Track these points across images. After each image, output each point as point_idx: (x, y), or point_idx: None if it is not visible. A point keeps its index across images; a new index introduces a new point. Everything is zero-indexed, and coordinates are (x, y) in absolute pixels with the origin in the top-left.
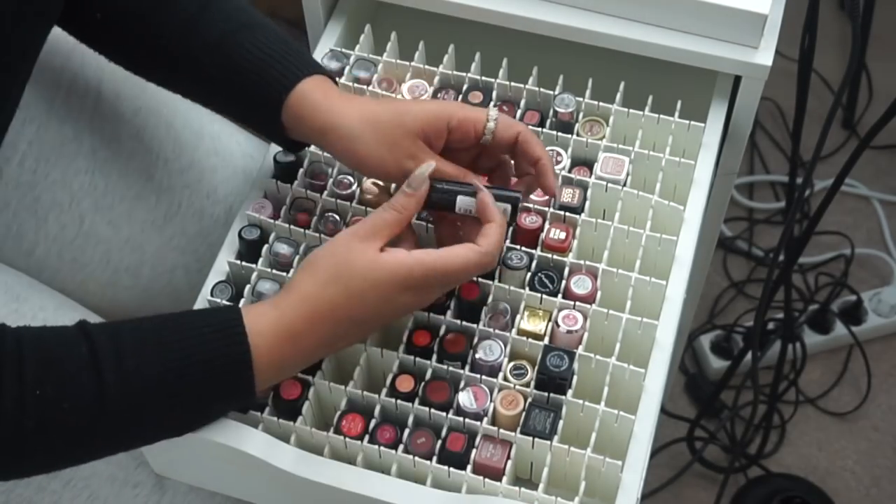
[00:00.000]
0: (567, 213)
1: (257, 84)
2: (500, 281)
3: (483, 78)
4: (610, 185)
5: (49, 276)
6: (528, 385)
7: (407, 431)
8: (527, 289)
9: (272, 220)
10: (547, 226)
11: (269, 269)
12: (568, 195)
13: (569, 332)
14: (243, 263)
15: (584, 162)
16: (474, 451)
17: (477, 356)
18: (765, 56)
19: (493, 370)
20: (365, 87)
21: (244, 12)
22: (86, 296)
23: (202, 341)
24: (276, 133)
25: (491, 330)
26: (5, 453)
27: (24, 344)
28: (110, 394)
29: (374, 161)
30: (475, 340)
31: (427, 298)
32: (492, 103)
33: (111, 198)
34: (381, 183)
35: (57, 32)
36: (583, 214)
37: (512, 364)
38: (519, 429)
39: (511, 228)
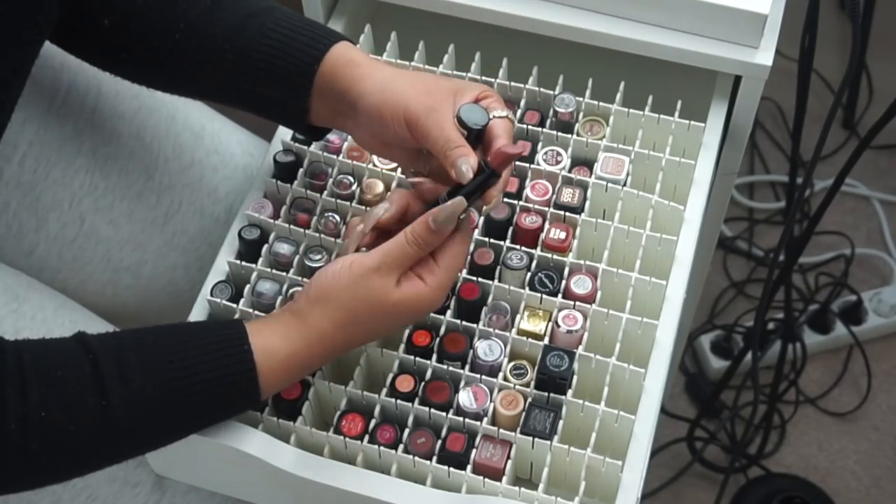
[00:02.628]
0: (567, 213)
1: (287, 55)
2: (500, 281)
3: (483, 78)
4: (610, 184)
5: (49, 276)
6: (528, 385)
7: (407, 431)
8: (527, 289)
9: (272, 220)
10: (547, 226)
11: (268, 269)
12: (568, 195)
13: (569, 331)
14: (243, 263)
15: (584, 162)
16: (474, 451)
17: (477, 356)
18: (765, 56)
19: (493, 370)
20: None
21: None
22: (86, 295)
23: (202, 352)
24: (299, 112)
25: (491, 330)
26: (9, 473)
27: (25, 362)
28: (116, 415)
29: (418, 93)
30: (475, 340)
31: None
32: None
33: (111, 197)
34: (380, 188)
35: None
36: (583, 214)
37: (512, 364)
38: (519, 429)
39: (511, 228)
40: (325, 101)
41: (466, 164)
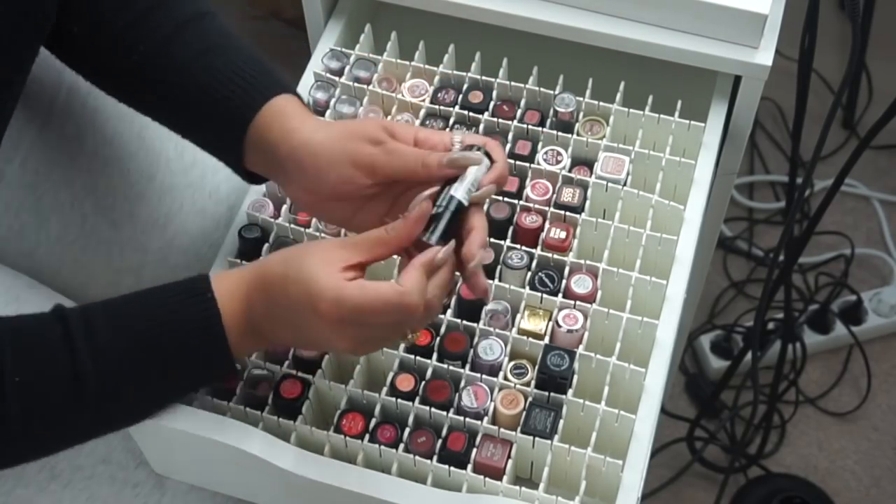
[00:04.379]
0: (567, 213)
1: (225, 100)
2: (500, 280)
3: (483, 78)
4: (610, 184)
5: (50, 277)
6: (528, 384)
7: (407, 431)
8: (527, 288)
9: (272, 220)
10: (547, 225)
11: None
12: (568, 195)
13: (569, 331)
14: (244, 263)
15: (584, 161)
16: (475, 450)
17: (477, 355)
18: (765, 56)
19: (494, 369)
20: (365, 86)
21: (221, 35)
22: (87, 298)
23: (167, 303)
24: (236, 157)
25: (491, 329)
26: None
27: (0, 335)
28: (86, 371)
29: (353, 133)
30: (475, 340)
31: (347, 334)
32: (492, 103)
33: (113, 197)
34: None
35: None
36: (583, 214)
37: (512, 363)
38: (519, 428)
39: (511, 228)
40: (258, 154)
41: (453, 154)
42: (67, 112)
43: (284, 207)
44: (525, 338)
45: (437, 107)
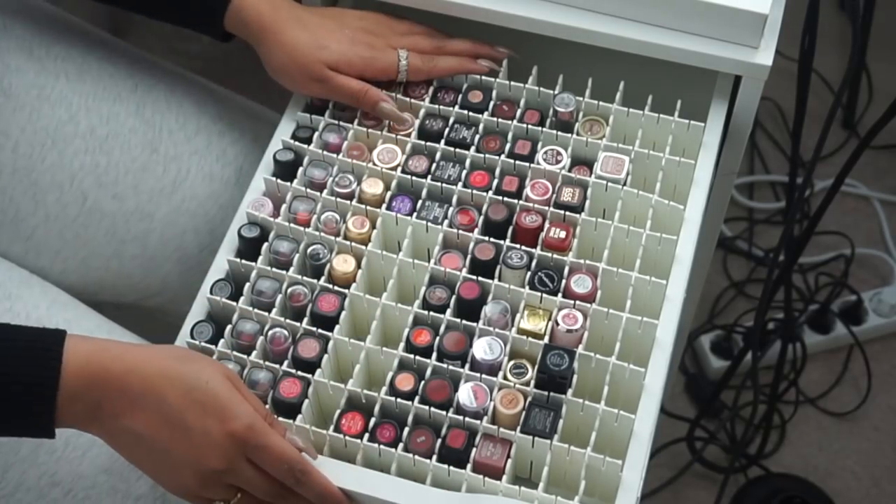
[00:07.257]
0: (567, 213)
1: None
2: (500, 280)
3: (483, 77)
4: (610, 184)
5: (49, 257)
6: (528, 384)
7: (407, 430)
8: (527, 288)
9: (272, 219)
10: (547, 225)
11: (268, 268)
12: (568, 194)
13: (569, 331)
14: (243, 262)
15: (584, 161)
16: (474, 449)
17: (477, 355)
18: (765, 56)
19: (493, 369)
20: None
21: None
22: (89, 270)
23: (15, 355)
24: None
25: (491, 329)
26: None
27: None
28: None
29: (284, 75)
30: (475, 339)
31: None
32: (492, 103)
33: (115, 173)
34: (380, 187)
35: (40, 18)
36: (583, 213)
37: (512, 363)
38: (519, 428)
39: (511, 228)
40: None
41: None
42: (57, 97)
43: (284, 207)
44: (525, 337)
45: (436, 106)
